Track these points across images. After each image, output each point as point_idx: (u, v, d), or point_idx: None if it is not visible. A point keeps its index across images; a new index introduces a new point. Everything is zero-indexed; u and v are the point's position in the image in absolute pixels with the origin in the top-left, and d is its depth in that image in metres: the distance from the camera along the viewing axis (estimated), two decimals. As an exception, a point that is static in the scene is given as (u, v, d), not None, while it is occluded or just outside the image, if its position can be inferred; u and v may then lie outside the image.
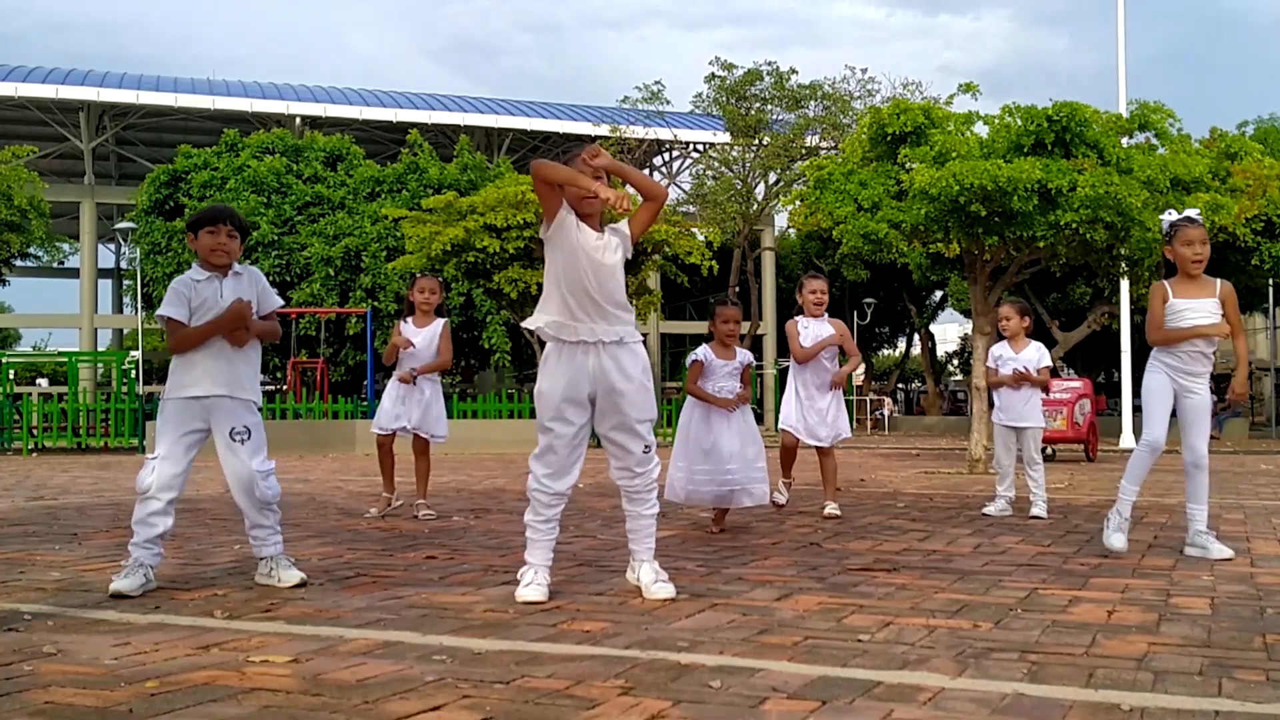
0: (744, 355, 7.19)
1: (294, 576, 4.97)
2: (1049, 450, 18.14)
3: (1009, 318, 8.41)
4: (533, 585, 4.61)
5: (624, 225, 4.83)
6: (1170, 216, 6.10)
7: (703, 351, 7.11)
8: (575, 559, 5.80)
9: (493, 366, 33.71)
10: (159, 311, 4.96)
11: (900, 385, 60.09)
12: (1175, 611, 4.41)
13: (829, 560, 5.82)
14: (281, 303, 5.20)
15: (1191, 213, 6.08)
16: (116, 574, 4.74)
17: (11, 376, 32.75)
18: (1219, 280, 5.98)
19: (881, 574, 5.35)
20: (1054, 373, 24.65)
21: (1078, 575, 5.36)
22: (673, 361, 49.03)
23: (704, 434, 6.94)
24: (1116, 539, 6.01)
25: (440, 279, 8.38)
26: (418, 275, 8.37)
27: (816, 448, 8.28)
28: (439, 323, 8.19)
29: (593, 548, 6.29)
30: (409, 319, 8.23)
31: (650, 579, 4.71)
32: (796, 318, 8.31)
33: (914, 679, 3.30)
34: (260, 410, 5.08)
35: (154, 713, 2.90)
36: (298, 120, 41.99)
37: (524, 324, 4.81)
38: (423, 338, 8.12)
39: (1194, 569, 5.60)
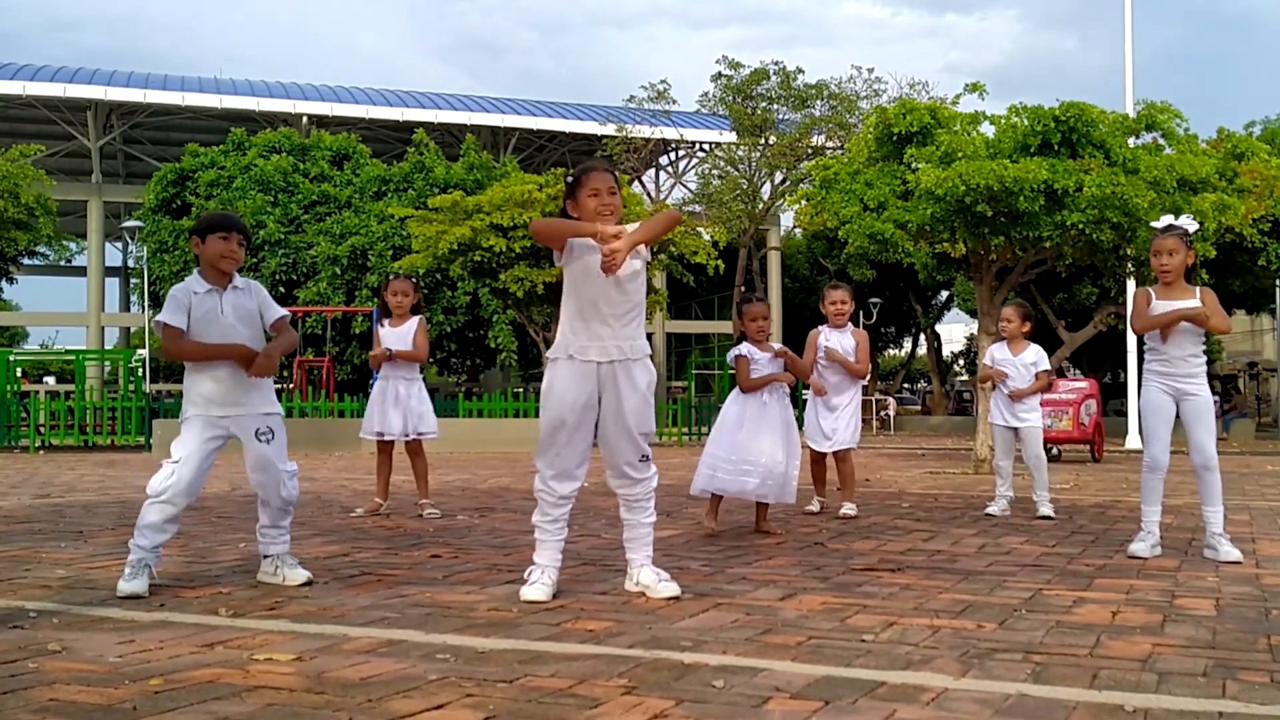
0: (779, 347, 7.23)
1: (300, 575, 4.97)
2: (1055, 450, 18.12)
3: (1009, 320, 8.45)
4: (537, 584, 4.62)
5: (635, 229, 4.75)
6: (1160, 224, 6.13)
7: (745, 348, 7.11)
8: (580, 558, 5.80)
9: (498, 365, 33.75)
10: (158, 317, 4.95)
11: (905, 385, 60.04)
12: (1180, 613, 4.40)
13: (833, 560, 5.82)
14: (285, 312, 5.18)
15: (1168, 219, 6.10)
16: (122, 575, 4.72)
17: (19, 374, 32.81)
18: (1199, 287, 6.01)
19: (886, 574, 5.35)
20: (1060, 373, 24.62)
21: (1082, 576, 5.35)
22: (678, 361, 49.03)
23: (746, 428, 6.88)
24: (1138, 547, 6.08)
25: (413, 280, 8.44)
26: (390, 278, 8.44)
27: (833, 452, 8.37)
28: (414, 320, 8.25)
29: (597, 547, 6.28)
30: (386, 321, 8.28)
31: (653, 579, 4.71)
32: (820, 328, 8.43)
33: (917, 679, 3.30)
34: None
35: (157, 710, 2.90)
36: (304, 119, 42.06)
37: (546, 355, 4.81)
38: (399, 335, 8.17)
39: (1199, 570, 5.60)
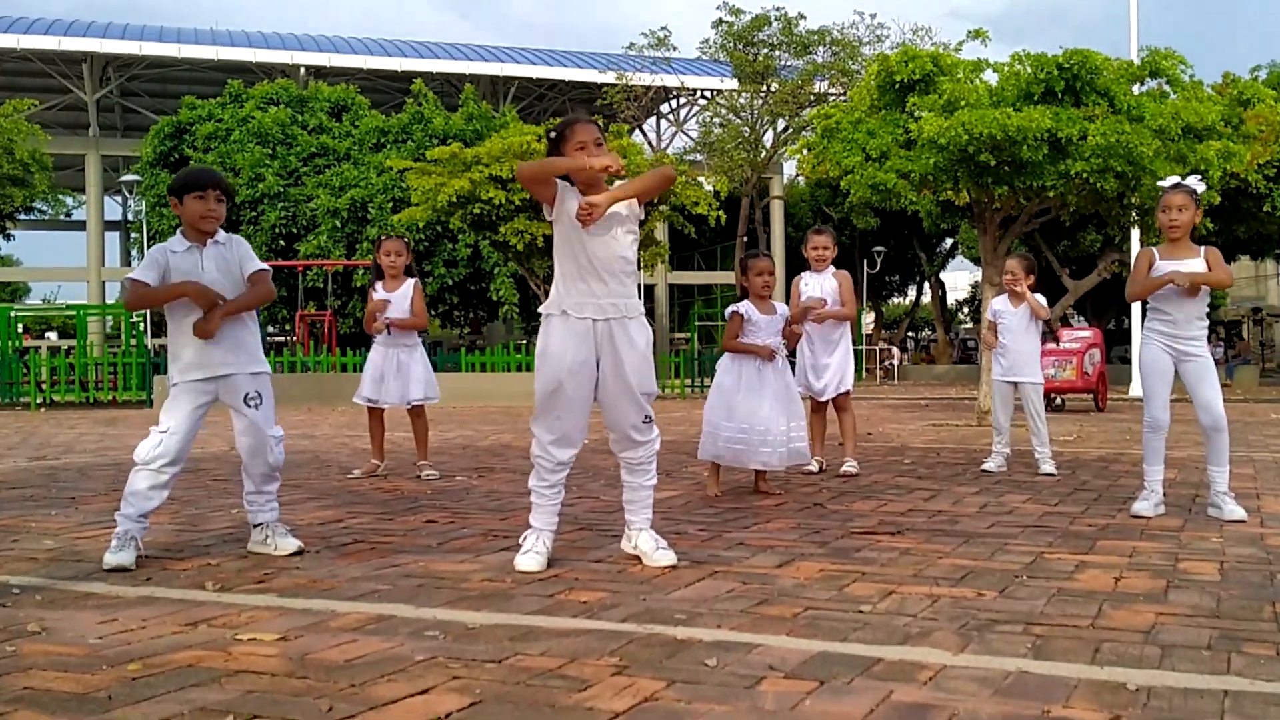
0: (783, 308, 7.04)
1: (290, 545, 4.90)
2: (1058, 400, 18.04)
3: (1013, 273, 8.30)
4: (531, 553, 4.54)
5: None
6: (1167, 183, 6.04)
7: (744, 306, 6.90)
8: (576, 522, 5.73)
9: (500, 318, 33.65)
10: (129, 275, 4.84)
11: (910, 334, 59.90)
12: (1183, 578, 4.32)
13: (833, 523, 5.74)
14: (265, 266, 5.05)
15: (1189, 179, 5.99)
16: (110, 548, 4.64)
17: (20, 330, 32.68)
18: (1205, 246, 5.91)
19: (885, 537, 5.27)
20: (1064, 321, 24.48)
21: (1085, 538, 5.27)
22: (681, 312, 48.90)
23: (743, 395, 6.75)
24: (1141, 506, 6.00)
25: (405, 240, 8.28)
26: (382, 238, 8.27)
27: (833, 402, 8.23)
28: (410, 283, 8.11)
29: (594, 510, 6.21)
30: (379, 283, 8.15)
31: (650, 546, 4.63)
32: (801, 274, 8.28)
33: (915, 655, 3.22)
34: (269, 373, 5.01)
35: (133, 699, 2.82)
36: (302, 70, 41.74)
37: (540, 309, 4.72)
38: (394, 299, 8.03)
39: (1203, 530, 5.52)
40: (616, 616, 3.69)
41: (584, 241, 4.48)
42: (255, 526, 4.99)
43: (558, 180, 4.50)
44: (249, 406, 4.81)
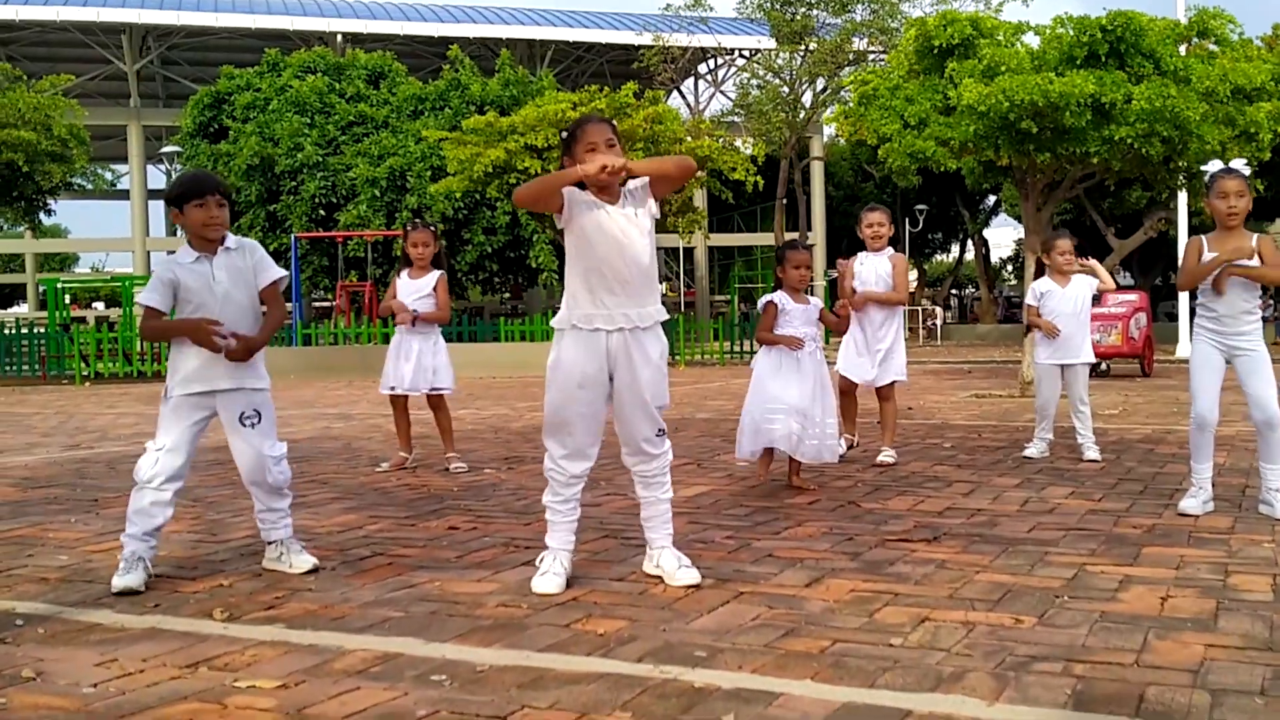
0: (816, 300, 6.87)
1: (306, 562, 4.76)
2: (1104, 365, 17.72)
3: (1068, 252, 8.00)
4: (549, 574, 4.38)
5: (642, 185, 4.44)
6: (1212, 167, 5.76)
7: (779, 296, 6.73)
8: (601, 527, 5.58)
9: (540, 284, 33.53)
10: (138, 298, 4.70)
11: (954, 292, 59.26)
12: (1234, 597, 4.11)
13: (866, 526, 5.54)
14: (284, 273, 4.88)
15: (1235, 162, 5.71)
16: (118, 569, 4.51)
17: (69, 300, 32.87)
18: (1255, 234, 5.63)
19: (921, 546, 5.07)
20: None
21: (1129, 544, 5.05)
22: (721, 274, 48.59)
23: (780, 382, 6.56)
24: (1189, 504, 5.76)
25: (433, 230, 8.16)
26: (408, 228, 8.15)
27: (876, 390, 8.04)
28: (435, 274, 7.99)
29: (621, 510, 6.02)
30: (405, 271, 8.03)
31: (673, 566, 4.47)
32: (857, 254, 8.08)
33: (946, 705, 3.03)
34: (268, 390, 4.85)
35: (117, 771, 2.69)
36: (339, 37, 41.64)
37: (551, 323, 4.55)
38: (418, 287, 7.93)
39: (1254, 531, 5.29)
40: (633, 654, 3.52)
41: (596, 251, 4.30)
42: (269, 544, 4.85)
43: (563, 191, 4.30)
44: (245, 425, 4.66)
